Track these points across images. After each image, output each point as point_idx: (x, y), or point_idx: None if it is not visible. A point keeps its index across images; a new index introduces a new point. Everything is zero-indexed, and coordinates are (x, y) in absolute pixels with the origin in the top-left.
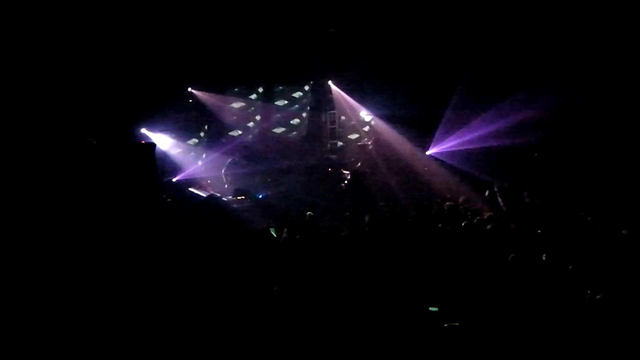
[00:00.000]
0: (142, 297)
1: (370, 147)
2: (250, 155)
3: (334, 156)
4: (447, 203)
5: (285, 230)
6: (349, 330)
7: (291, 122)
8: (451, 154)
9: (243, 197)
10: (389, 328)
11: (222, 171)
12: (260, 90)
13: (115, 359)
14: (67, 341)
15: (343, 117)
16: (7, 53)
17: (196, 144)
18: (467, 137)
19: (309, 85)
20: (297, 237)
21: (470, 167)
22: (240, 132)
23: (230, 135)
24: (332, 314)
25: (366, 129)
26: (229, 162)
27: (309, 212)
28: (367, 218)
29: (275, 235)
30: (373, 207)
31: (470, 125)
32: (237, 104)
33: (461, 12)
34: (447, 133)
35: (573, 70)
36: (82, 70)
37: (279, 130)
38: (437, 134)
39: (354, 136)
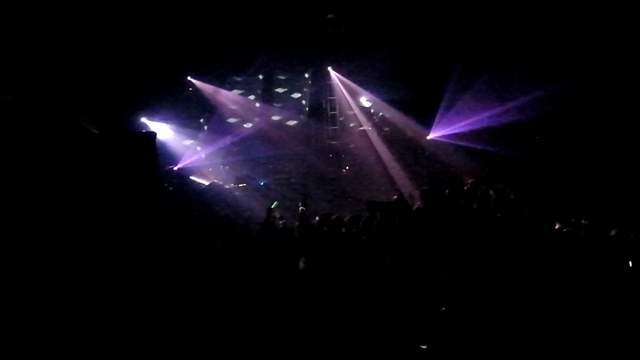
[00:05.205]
0: (144, 291)
1: (369, 132)
2: (251, 143)
3: (335, 142)
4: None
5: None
6: (350, 327)
7: (291, 109)
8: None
9: (244, 185)
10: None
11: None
12: (261, 77)
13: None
14: (64, 337)
15: (343, 104)
16: (3, 41)
17: (196, 132)
18: (467, 121)
19: (309, 72)
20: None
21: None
22: (240, 120)
23: (231, 124)
24: (335, 308)
25: (366, 114)
26: (231, 153)
27: (301, 207)
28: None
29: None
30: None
31: (469, 109)
32: (236, 92)
33: None
34: (448, 117)
35: (571, 57)
36: (80, 59)
37: (279, 117)
38: (437, 118)
39: (354, 122)
